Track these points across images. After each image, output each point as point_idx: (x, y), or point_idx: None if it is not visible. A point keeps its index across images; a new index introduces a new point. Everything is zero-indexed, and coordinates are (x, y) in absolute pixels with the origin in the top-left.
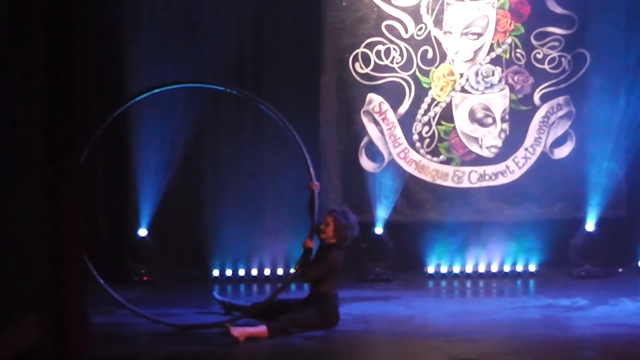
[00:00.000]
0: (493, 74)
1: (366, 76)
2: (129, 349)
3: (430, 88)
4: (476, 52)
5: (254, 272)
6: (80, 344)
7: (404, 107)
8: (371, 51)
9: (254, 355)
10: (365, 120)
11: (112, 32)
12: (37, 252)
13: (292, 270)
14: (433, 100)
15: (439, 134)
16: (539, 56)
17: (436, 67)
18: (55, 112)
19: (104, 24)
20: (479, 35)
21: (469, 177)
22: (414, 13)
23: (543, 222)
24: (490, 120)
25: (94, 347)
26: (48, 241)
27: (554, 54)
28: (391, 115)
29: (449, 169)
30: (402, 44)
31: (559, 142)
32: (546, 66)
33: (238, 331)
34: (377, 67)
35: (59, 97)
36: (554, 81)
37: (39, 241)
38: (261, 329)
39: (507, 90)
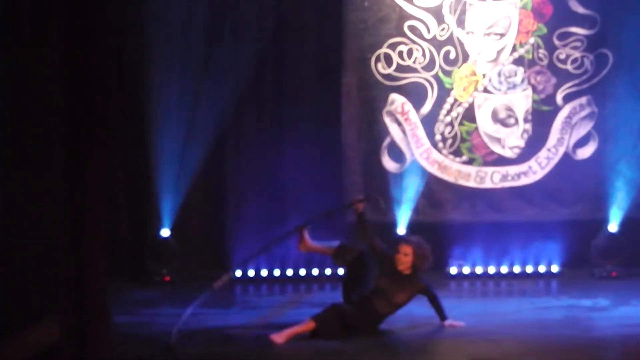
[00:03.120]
0: (515, 74)
1: (388, 76)
2: (151, 350)
3: (452, 88)
4: (499, 53)
5: (277, 272)
6: (102, 343)
7: (426, 108)
8: (393, 51)
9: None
10: (387, 120)
11: (132, 34)
12: (59, 251)
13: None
14: (455, 100)
15: (461, 134)
16: (562, 56)
17: (459, 68)
18: (77, 113)
19: (125, 25)
20: (502, 35)
21: (491, 178)
22: (437, 13)
23: (565, 222)
24: (512, 120)
25: (117, 347)
26: (70, 241)
27: (577, 54)
28: (413, 116)
29: (471, 169)
30: (424, 44)
31: (581, 142)
32: (569, 66)
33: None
34: (400, 68)
35: (80, 98)
36: (576, 81)
37: (61, 241)
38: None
39: (529, 91)
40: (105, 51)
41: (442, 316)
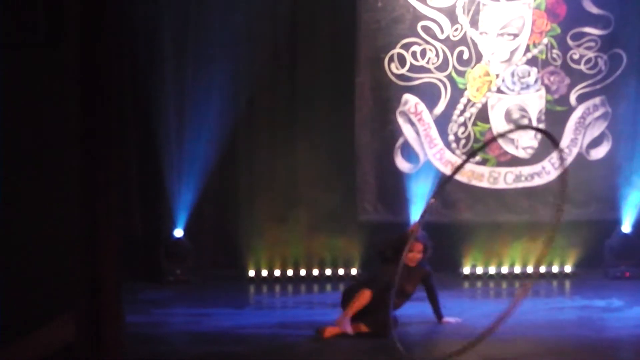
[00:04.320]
0: (529, 75)
1: (402, 77)
2: (164, 350)
3: (466, 89)
4: (512, 53)
5: (290, 272)
6: (116, 343)
7: (439, 108)
8: (407, 52)
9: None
10: (400, 120)
11: (146, 32)
12: (74, 251)
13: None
14: (469, 101)
15: (474, 134)
16: (575, 57)
17: (472, 68)
18: (93, 112)
19: (138, 23)
20: (515, 35)
21: (504, 178)
22: (450, 13)
23: (579, 222)
24: (526, 121)
25: (130, 347)
26: (85, 241)
27: (590, 54)
28: (427, 116)
29: (484, 169)
30: (438, 44)
31: (595, 143)
32: (582, 67)
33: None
34: (413, 68)
35: (96, 97)
36: (590, 82)
37: (76, 241)
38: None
39: (543, 91)
40: (120, 49)
41: (438, 310)
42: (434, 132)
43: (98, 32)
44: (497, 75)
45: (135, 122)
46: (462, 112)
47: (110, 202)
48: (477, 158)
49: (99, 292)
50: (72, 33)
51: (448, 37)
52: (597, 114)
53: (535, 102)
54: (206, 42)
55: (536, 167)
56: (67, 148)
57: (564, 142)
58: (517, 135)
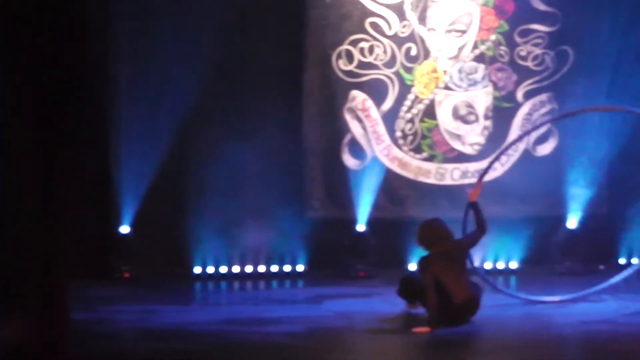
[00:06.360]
0: (476, 71)
1: (350, 73)
2: (112, 347)
3: (413, 85)
4: (460, 50)
5: (236, 269)
6: (65, 341)
7: (387, 104)
8: (355, 48)
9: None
10: (348, 117)
11: (98, 32)
12: (22, 249)
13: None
14: (416, 97)
15: (421, 131)
16: (523, 53)
17: (420, 65)
18: (42, 114)
19: (90, 21)
20: (463, 32)
21: (451, 175)
22: (398, 10)
23: (525, 219)
24: (473, 117)
25: (78, 344)
26: (33, 239)
27: (537, 51)
28: (374, 112)
29: (431, 166)
30: (385, 41)
31: (541, 139)
32: (529, 63)
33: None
34: (361, 64)
35: (48, 96)
36: (537, 78)
37: (25, 239)
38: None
39: (490, 88)
40: (72, 49)
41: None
42: (381, 128)
43: (49, 29)
44: (445, 72)
45: (84, 119)
46: (410, 108)
47: (59, 200)
48: (424, 154)
49: (48, 291)
50: (24, 30)
51: (396, 33)
52: (544, 110)
53: (482, 99)
54: (153, 36)
55: (483, 164)
56: (18, 147)
57: (511, 139)
58: (464, 131)
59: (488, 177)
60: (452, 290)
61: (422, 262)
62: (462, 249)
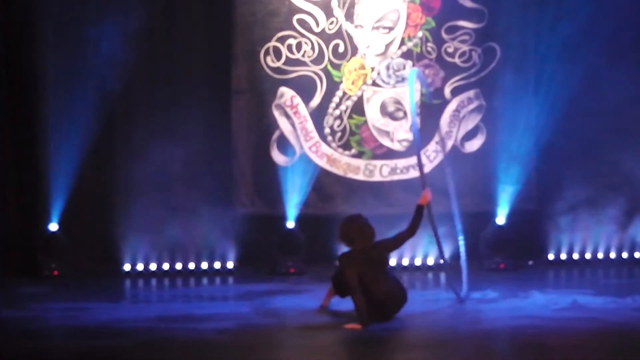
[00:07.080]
0: (404, 68)
1: (278, 70)
2: (42, 345)
3: (341, 82)
4: (387, 46)
5: (166, 266)
6: None
7: (315, 101)
8: (283, 45)
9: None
10: (277, 113)
11: (20, 25)
12: None
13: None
14: (344, 94)
15: (350, 127)
16: (450, 50)
17: (347, 61)
18: None
19: (13, 16)
20: (390, 29)
21: (380, 171)
22: (325, 7)
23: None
24: (401, 114)
25: (7, 342)
26: None
27: (465, 47)
28: (303, 109)
29: (360, 162)
30: (313, 37)
31: (469, 135)
32: (457, 60)
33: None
34: (289, 61)
35: None
36: (464, 75)
37: None
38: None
39: (418, 84)
40: None
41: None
42: (310, 125)
43: None
44: (373, 69)
45: (12, 115)
46: (338, 105)
47: None
48: (353, 151)
49: None
50: None
51: (324, 30)
52: (472, 106)
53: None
54: (78, 34)
55: (411, 160)
56: None
57: (439, 135)
58: (392, 128)
59: (416, 174)
60: (371, 285)
61: (342, 260)
62: (385, 250)
